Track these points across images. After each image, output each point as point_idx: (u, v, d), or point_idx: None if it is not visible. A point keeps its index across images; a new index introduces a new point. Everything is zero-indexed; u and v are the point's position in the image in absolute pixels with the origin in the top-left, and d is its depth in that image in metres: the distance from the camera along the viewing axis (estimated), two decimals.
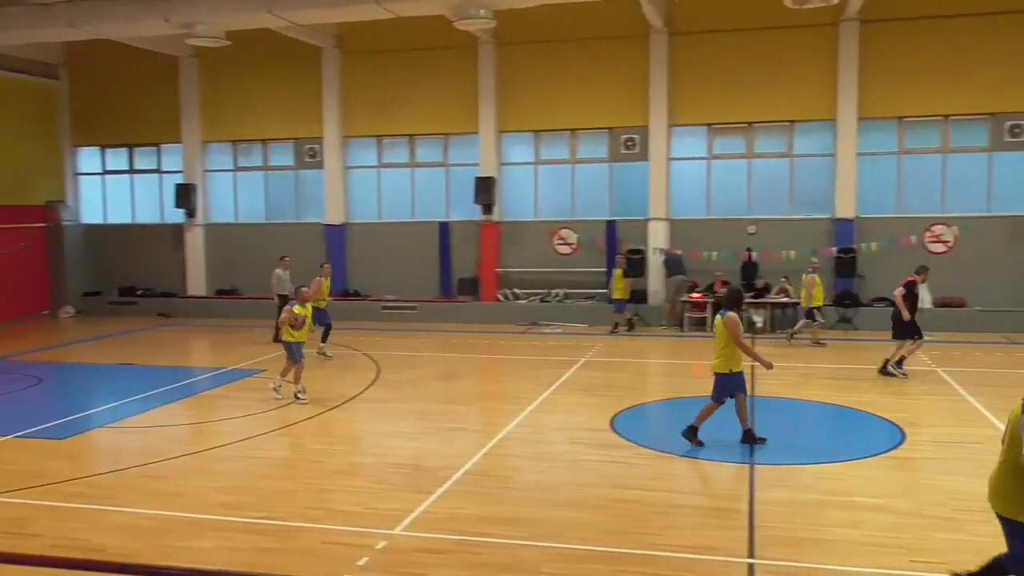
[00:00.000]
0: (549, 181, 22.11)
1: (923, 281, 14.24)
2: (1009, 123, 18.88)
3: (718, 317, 10.10)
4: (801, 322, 17.73)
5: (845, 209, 19.69)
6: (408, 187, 22.93)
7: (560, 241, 21.55)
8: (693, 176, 21.07)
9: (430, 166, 22.77)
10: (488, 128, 21.58)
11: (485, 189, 21.46)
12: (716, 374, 10.04)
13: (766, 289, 19.37)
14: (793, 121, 20.20)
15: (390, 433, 11.10)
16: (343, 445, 10.67)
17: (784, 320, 19.19)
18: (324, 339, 16.62)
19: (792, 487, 8.61)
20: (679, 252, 20.49)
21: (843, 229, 19.68)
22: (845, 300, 19.41)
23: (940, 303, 19.01)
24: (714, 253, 20.15)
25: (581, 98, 21.12)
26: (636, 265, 20.40)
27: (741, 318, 10.22)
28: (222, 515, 7.95)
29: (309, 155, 23.42)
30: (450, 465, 9.36)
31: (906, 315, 13.75)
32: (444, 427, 11.23)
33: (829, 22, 19.14)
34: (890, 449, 9.95)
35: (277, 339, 14.84)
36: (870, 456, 9.70)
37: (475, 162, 21.86)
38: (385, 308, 22.17)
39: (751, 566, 6.78)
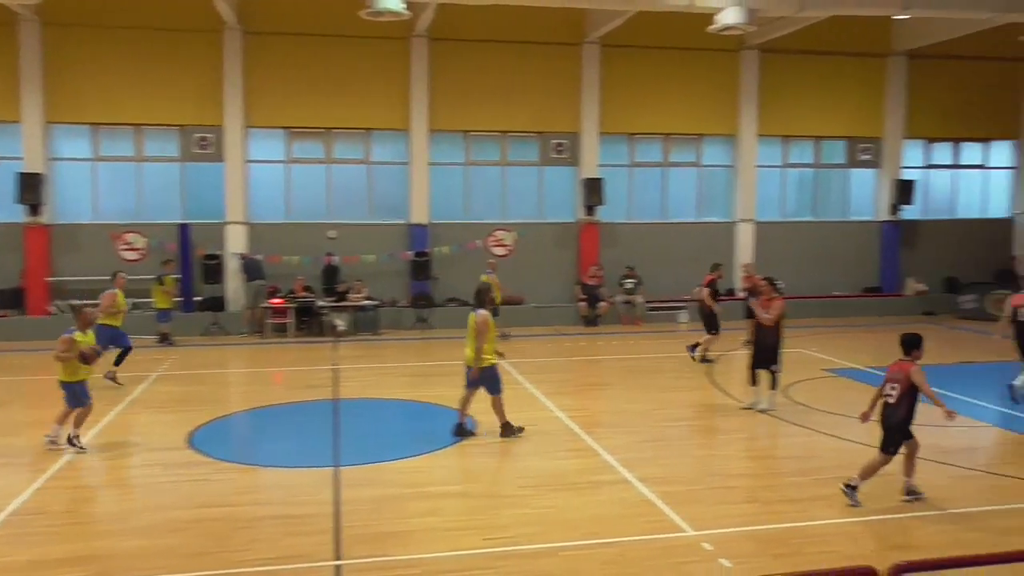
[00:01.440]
0: (110, 180, 20.11)
1: (719, 277, 15.98)
2: (554, 141, 21.43)
3: (472, 315, 10.48)
4: None
5: (419, 215, 20.76)
6: None
7: (125, 246, 19.66)
8: (272, 179, 20.66)
9: None
10: (33, 118, 18.99)
11: (30, 187, 18.82)
12: (482, 369, 10.37)
13: (347, 292, 19.67)
14: (370, 129, 20.79)
15: None
16: None
17: (367, 323, 19.62)
18: (118, 362, 13.76)
19: (376, 484, 8.78)
20: (259, 257, 19.94)
21: (418, 234, 20.73)
22: (421, 301, 20.45)
23: (503, 301, 20.86)
24: (295, 257, 19.95)
25: (150, 92, 19.53)
26: (213, 271, 19.45)
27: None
28: None
29: None
30: None
31: (717, 309, 15.56)
32: None
33: (401, 36, 20.02)
34: (464, 438, 10.61)
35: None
36: (447, 447, 10.26)
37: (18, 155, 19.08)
38: None
39: (338, 567, 6.75)
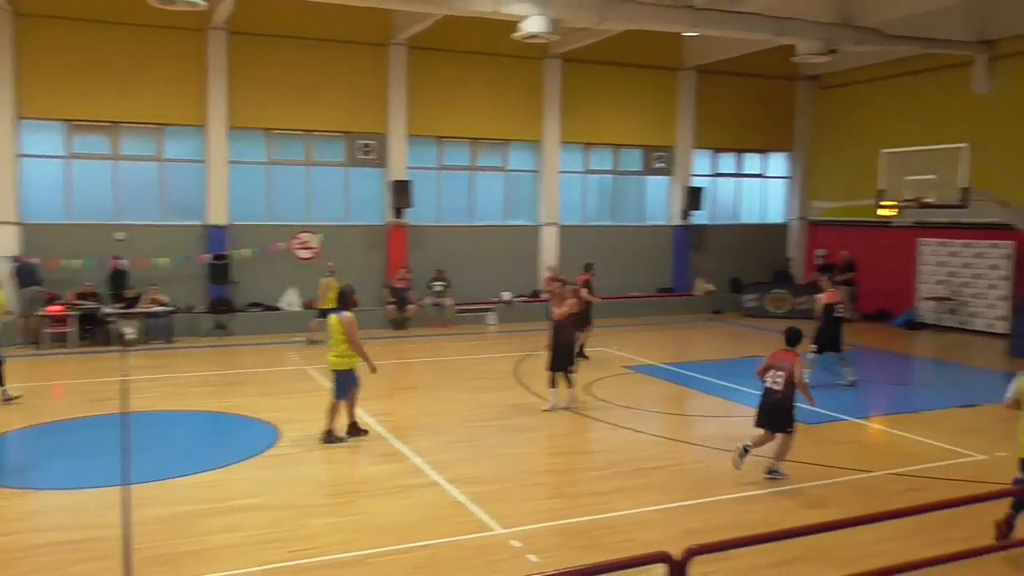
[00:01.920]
0: None
1: (592, 275, 16.48)
2: (361, 142, 21.09)
3: (334, 316, 10.41)
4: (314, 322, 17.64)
5: (217, 216, 19.76)
6: None
7: None
8: (49, 176, 18.93)
9: None
10: None
11: None
12: (336, 372, 10.34)
13: (137, 298, 18.39)
14: (162, 124, 19.55)
15: None
16: None
17: (160, 330, 18.42)
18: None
19: (169, 502, 8.24)
20: (34, 260, 18.21)
21: (216, 236, 19.72)
22: (220, 306, 19.48)
23: (307, 305, 20.25)
24: (77, 261, 18.40)
25: None
26: None
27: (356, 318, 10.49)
28: None
29: None
30: None
31: (597, 300, 16.22)
32: None
33: (198, 27, 18.98)
34: (266, 448, 10.20)
35: None
36: (247, 458, 9.81)
37: None
38: None
39: None
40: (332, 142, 21.04)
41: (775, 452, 9.20)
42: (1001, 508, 7.10)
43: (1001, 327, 19.56)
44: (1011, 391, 7.71)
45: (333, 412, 10.54)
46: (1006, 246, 19.79)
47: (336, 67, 20.54)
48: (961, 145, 16.33)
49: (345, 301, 10.66)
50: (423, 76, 21.30)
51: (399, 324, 20.45)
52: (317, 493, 8.68)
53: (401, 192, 20.83)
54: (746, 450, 9.12)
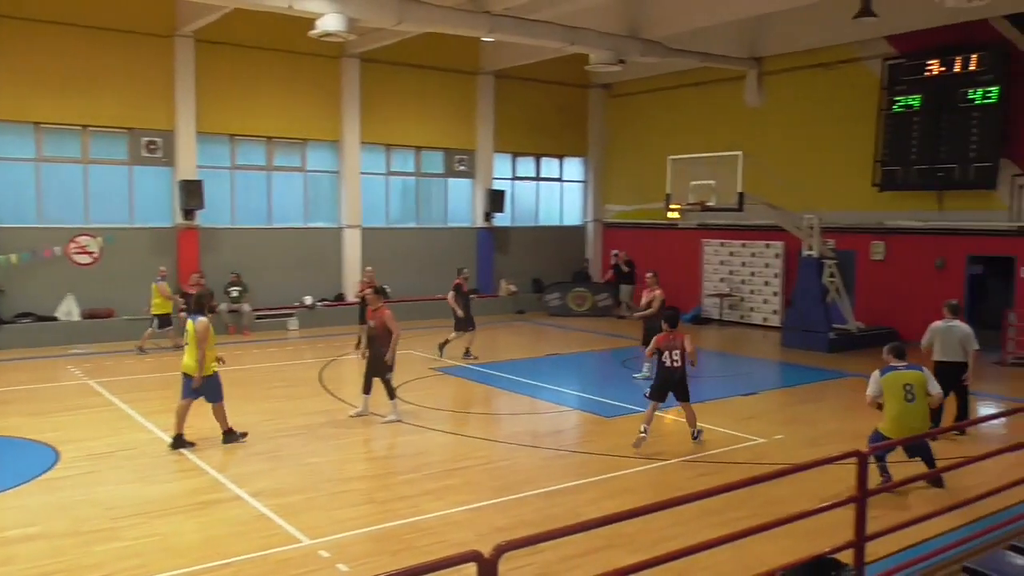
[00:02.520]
0: None
1: (465, 279, 16.85)
2: (146, 139, 19.77)
3: (190, 322, 10.34)
4: (149, 331, 17.51)
5: None
6: None
7: None
8: None
9: None
10: None
11: None
12: (205, 377, 10.23)
13: None
14: None
15: None
16: None
17: None
18: None
19: None
20: None
21: None
22: None
23: (88, 314, 18.83)
24: None
25: None
26: None
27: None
28: None
29: None
30: None
31: (460, 312, 16.49)
32: None
33: None
34: (43, 472, 9.33)
35: None
36: (21, 483, 8.92)
37: None
38: None
39: None
40: (113, 138, 19.57)
41: (689, 419, 10.68)
42: (780, 486, 7.70)
43: (774, 320, 21.38)
44: (873, 389, 8.71)
45: (220, 415, 10.55)
46: (777, 246, 21.65)
47: (115, 58, 19.11)
48: (736, 153, 17.67)
49: (201, 305, 10.52)
50: (213, 71, 20.29)
51: None
52: (103, 517, 8.02)
53: (191, 193, 19.71)
54: (645, 432, 10.28)
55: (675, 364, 10.49)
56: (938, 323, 11.05)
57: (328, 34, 15.32)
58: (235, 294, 20.21)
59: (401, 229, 23.94)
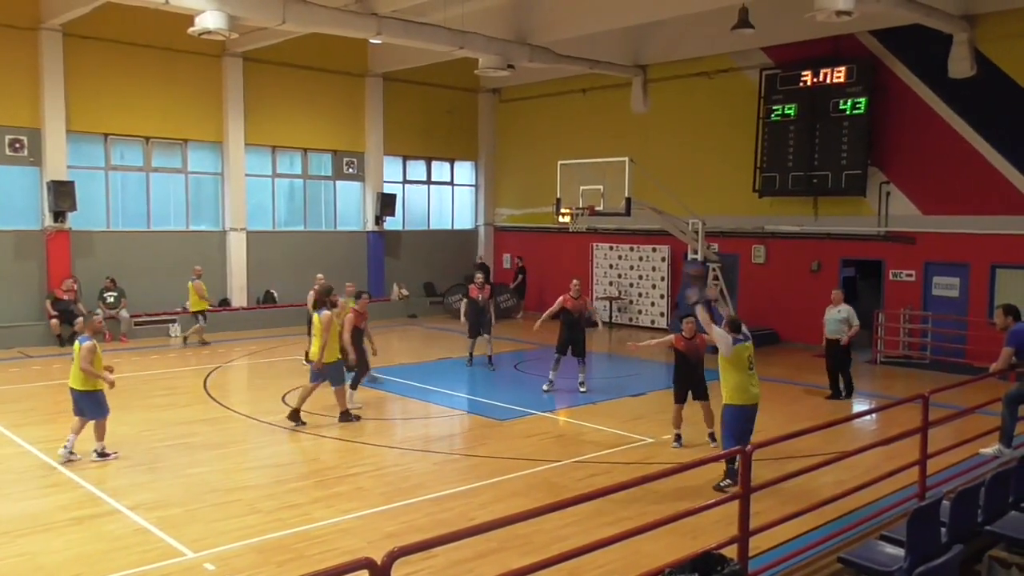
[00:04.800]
0: None
1: (479, 284, 16.39)
2: (10, 137, 18.65)
3: (315, 315, 11.94)
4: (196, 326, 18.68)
5: None
6: None
7: None
8: None
9: None
10: None
11: None
12: (326, 364, 11.61)
13: None
14: None
15: None
16: None
17: None
18: None
19: None
20: None
21: None
22: None
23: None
24: None
25: None
26: None
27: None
28: None
29: None
30: None
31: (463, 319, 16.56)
32: None
33: None
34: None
35: None
36: None
37: None
38: None
39: None
40: None
41: (707, 419, 10.68)
42: (667, 485, 7.90)
43: (662, 323, 21.94)
44: (727, 350, 8.90)
45: (340, 397, 11.91)
46: (663, 250, 22.23)
47: None
48: (624, 159, 18.05)
49: (323, 301, 12.28)
50: (84, 67, 19.31)
51: (66, 340, 18.36)
52: None
53: (61, 193, 18.68)
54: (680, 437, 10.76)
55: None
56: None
57: (208, 32, 14.79)
58: (110, 299, 19.30)
59: (288, 232, 23.40)
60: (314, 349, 11.87)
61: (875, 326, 17.63)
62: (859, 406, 13.49)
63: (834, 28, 16.83)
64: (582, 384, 14.15)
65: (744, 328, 9.09)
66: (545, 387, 14.16)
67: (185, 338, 19.30)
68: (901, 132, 18.03)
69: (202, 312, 19.14)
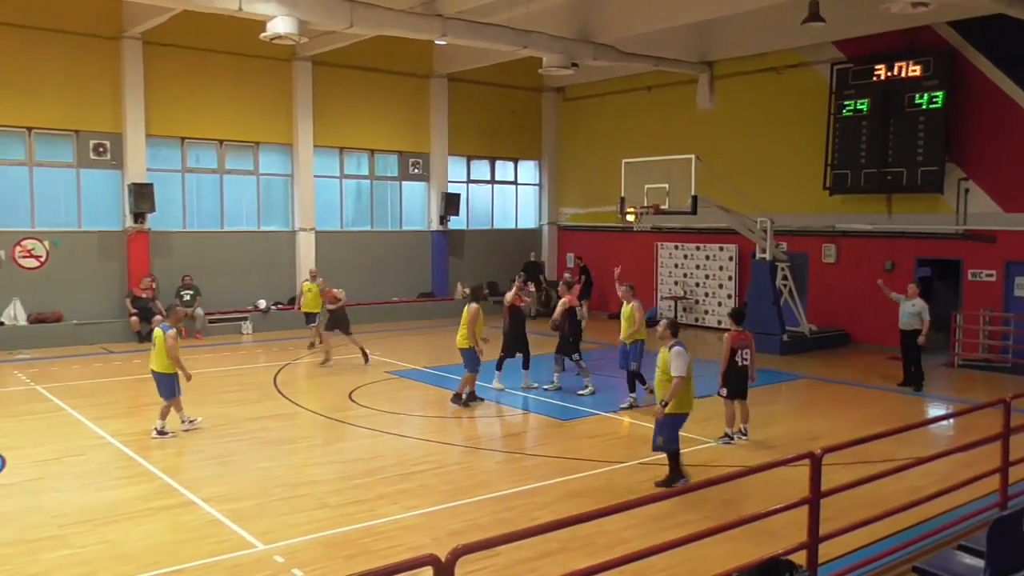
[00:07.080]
0: None
1: (520, 289, 15.82)
2: (93, 141, 19.36)
3: (466, 306, 12.90)
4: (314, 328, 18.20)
5: None
6: None
7: None
8: None
9: None
10: None
11: None
12: (464, 349, 12.76)
13: None
14: None
15: None
16: None
17: None
18: None
19: None
20: None
21: None
22: None
23: (35, 319, 18.39)
24: None
25: None
26: None
27: None
28: None
29: None
30: None
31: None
32: None
33: None
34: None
35: None
36: None
37: None
38: None
39: None
40: (59, 141, 19.13)
41: (744, 416, 11.04)
42: (734, 488, 7.79)
43: (729, 323, 21.56)
44: (684, 369, 9.03)
45: (467, 383, 12.86)
46: (730, 249, 21.91)
47: (60, 60, 18.68)
48: (690, 156, 17.85)
49: (476, 295, 13.33)
50: (162, 73, 19.93)
51: (145, 336, 18.99)
52: (49, 524, 7.83)
53: (142, 196, 19.33)
54: (731, 436, 10.91)
55: (744, 363, 10.97)
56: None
57: (279, 36, 15.14)
58: (187, 297, 19.87)
59: (355, 232, 23.76)
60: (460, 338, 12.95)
61: (953, 328, 17.06)
62: (936, 410, 13.09)
63: (909, 20, 16.32)
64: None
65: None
66: (547, 387, 14.15)
67: (312, 344, 18.17)
68: (981, 127, 17.43)
69: (314, 313, 18.12)
